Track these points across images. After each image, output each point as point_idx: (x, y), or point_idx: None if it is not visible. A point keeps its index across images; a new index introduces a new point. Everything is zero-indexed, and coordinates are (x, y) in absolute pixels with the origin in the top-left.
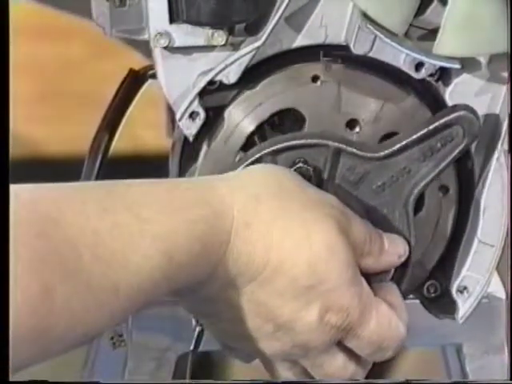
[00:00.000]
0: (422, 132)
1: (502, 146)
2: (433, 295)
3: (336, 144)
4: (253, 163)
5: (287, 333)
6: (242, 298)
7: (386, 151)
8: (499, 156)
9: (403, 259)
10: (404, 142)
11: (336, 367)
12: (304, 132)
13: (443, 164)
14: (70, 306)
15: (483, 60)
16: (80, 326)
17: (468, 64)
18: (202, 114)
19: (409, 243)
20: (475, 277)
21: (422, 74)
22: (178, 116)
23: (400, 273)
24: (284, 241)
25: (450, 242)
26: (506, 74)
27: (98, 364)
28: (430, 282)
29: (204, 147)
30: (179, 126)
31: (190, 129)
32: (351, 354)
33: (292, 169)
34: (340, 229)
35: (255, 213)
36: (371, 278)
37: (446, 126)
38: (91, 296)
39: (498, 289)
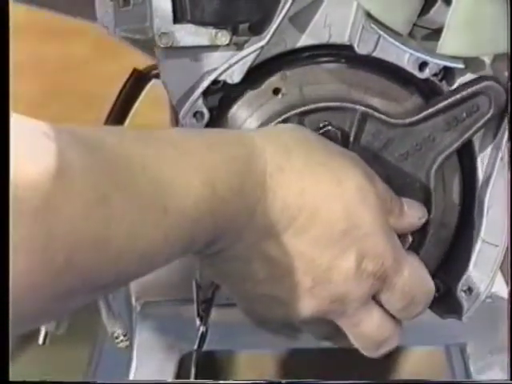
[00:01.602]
0: (447, 101)
1: (506, 145)
2: (436, 295)
3: (363, 108)
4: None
5: (325, 286)
6: (279, 251)
7: (412, 118)
8: (503, 155)
9: (423, 221)
10: (429, 110)
11: (373, 326)
12: (328, 97)
13: (468, 134)
14: (127, 217)
15: (487, 60)
16: (138, 241)
17: (472, 64)
18: (206, 114)
19: (429, 213)
20: (479, 276)
21: (426, 73)
22: (181, 116)
23: (417, 243)
24: (317, 187)
25: (453, 242)
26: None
27: (101, 364)
28: (433, 281)
29: None
30: (183, 126)
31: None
32: (386, 314)
33: (319, 132)
34: (368, 178)
35: (287, 159)
36: None
37: (473, 95)
38: (145, 212)
39: (501, 288)
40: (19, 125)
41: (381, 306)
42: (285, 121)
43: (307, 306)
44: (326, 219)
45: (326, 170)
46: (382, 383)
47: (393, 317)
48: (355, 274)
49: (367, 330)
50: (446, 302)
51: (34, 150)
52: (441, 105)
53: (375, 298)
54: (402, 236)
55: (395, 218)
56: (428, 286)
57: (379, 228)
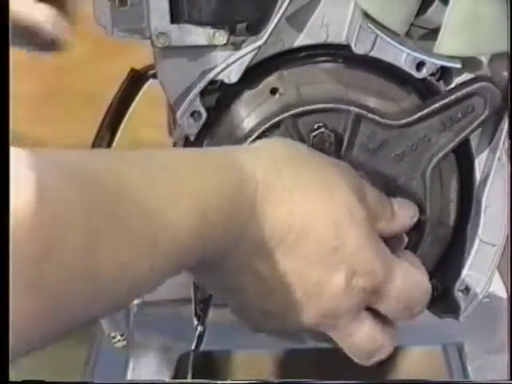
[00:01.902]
0: (443, 101)
1: (504, 145)
2: (434, 294)
3: (357, 109)
4: (273, 126)
5: (315, 301)
6: (269, 269)
7: (407, 119)
8: (500, 155)
9: (415, 219)
10: (425, 111)
11: (364, 336)
12: (325, 97)
13: (463, 134)
14: (116, 252)
15: (484, 59)
16: (127, 273)
17: (469, 63)
18: (203, 114)
19: (424, 213)
20: (476, 276)
21: (423, 73)
22: (178, 115)
23: (414, 243)
24: (306, 204)
25: (451, 241)
26: (506, 73)
27: (99, 364)
28: (431, 281)
29: (205, 147)
30: (180, 126)
31: (191, 128)
32: (379, 322)
33: (312, 134)
34: (357, 192)
35: (277, 177)
36: (386, 244)
37: (468, 96)
38: (135, 244)
39: (499, 288)
40: None
41: (375, 314)
42: (279, 123)
43: (299, 320)
44: (316, 237)
45: (316, 186)
46: (380, 383)
47: (387, 323)
48: (345, 290)
49: (359, 341)
50: (443, 301)
51: (24, 185)
52: (436, 105)
53: (371, 308)
54: (397, 236)
55: (386, 222)
56: (424, 286)
57: (368, 243)
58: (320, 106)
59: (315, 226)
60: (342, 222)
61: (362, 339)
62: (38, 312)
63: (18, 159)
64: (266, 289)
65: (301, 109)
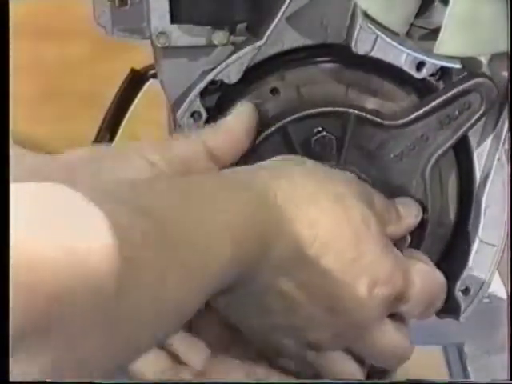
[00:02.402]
0: (439, 99)
1: (504, 145)
2: None
3: (356, 112)
4: (275, 132)
5: (340, 313)
6: (292, 285)
7: (404, 119)
8: (500, 156)
9: (419, 218)
10: (422, 110)
11: (390, 342)
12: (325, 98)
13: (461, 131)
14: (179, 287)
15: (484, 59)
16: (185, 305)
17: (469, 64)
18: (203, 114)
19: (426, 212)
20: (477, 276)
21: (423, 73)
22: (178, 115)
23: (415, 243)
24: (324, 217)
25: (451, 241)
26: (506, 74)
27: None
28: None
29: None
30: (180, 126)
31: (191, 128)
32: (398, 325)
33: (314, 138)
34: (366, 201)
35: (296, 194)
36: None
37: (464, 93)
38: (189, 278)
39: (499, 288)
40: (53, 196)
41: (392, 317)
42: (279, 129)
43: (324, 334)
44: (336, 249)
45: (331, 198)
46: (381, 383)
47: (403, 323)
48: (368, 300)
49: (385, 348)
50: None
51: (98, 225)
52: (432, 104)
53: (393, 312)
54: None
55: (394, 225)
56: (440, 280)
57: (383, 251)
58: (319, 110)
59: (334, 237)
60: (359, 233)
61: (387, 346)
62: (108, 349)
63: (80, 198)
64: (290, 305)
65: (300, 114)
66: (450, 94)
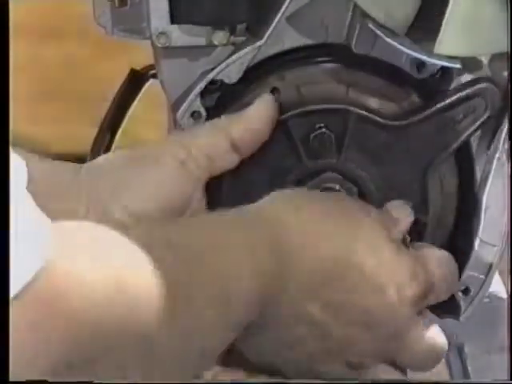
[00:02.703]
0: (444, 102)
1: (504, 145)
2: None
3: (358, 110)
4: (276, 127)
5: (375, 327)
6: (320, 306)
7: (408, 120)
8: (500, 155)
9: (413, 215)
10: (426, 112)
11: (428, 340)
12: (325, 97)
13: (464, 135)
14: (210, 320)
15: (484, 60)
16: (213, 338)
17: (469, 64)
18: (203, 114)
19: (426, 213)
20: (477, 276)
21: (424, 73)
22: (179, 115)
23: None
24: (338, 234)
25: (451, 242)
26: (506, 74)
27: None
28: None
29: None
30: (180, 126)
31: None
32: (431, 321)
33: (313, 134)
34: (366, 212)
35: (307, 223)
36: None
37: (469, 97)
38: (217, 311)
39: (499, 288)
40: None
41: (423, 314)
42: (279, 124)
43: (364, 351)
44: (356, 262)
45: (340, 218)
46: (381, 383)
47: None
48: (400, 305)
49: (426, 346)
50: (443, 302)
51: (145, 265)
52: (437, 106)
53: (421, 308)
54: None
55: (394, 228)
56: (451, 261)
57: (399, 254)
58: (321, 106)
59: (352, 253)
60: (373, 243)
61: (427, 344)
62: (145, 380)
63: (121, 236)
64: (323, 329)
65: (302, 109)
66: (455, 97)
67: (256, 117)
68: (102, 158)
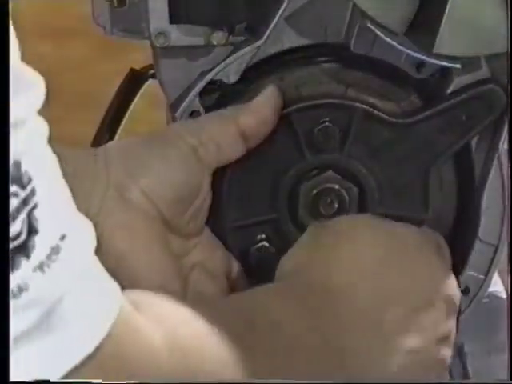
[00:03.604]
0: (448, 102)
1: (503, 145)
2: None
3: (364, 106)
4: (279, 120)
5: (422, 333)
6: (360, 341)
7: (411, 118)
8: (499, 155)
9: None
10: (430, 111)
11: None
12: (332, 93)
13: (467, 136)
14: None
15: (484, 60)
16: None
17: (469, 64)
18: (203, 114)
19: (426, 212)
20: (476, 276)
21: (423, 73)
22: (178, 115)
23: None
24: (353, 261)
25: (450, 241)
26: (506, 73)
27: None
28: None
29: None
30: None
31: None
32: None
33: (317, 127)
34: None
35: (318, 262)
36: None
37: (473, 98)
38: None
39: (499, 288)
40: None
41: None
42: (283, 116)
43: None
44: (375, 282)
45: (343, 243)
46: (380, 383)
47: None
48: (433, 302)
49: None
50: None
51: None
52: (441, 106)
53: None
54: None
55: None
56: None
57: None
58: (327, 100)
59: (375, 263)
60: (388, 254)
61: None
62: None
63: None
64: (378, 353)
65: (307, 103)
66: (459, 98)
67: (262, 106)
68: (117, 142)
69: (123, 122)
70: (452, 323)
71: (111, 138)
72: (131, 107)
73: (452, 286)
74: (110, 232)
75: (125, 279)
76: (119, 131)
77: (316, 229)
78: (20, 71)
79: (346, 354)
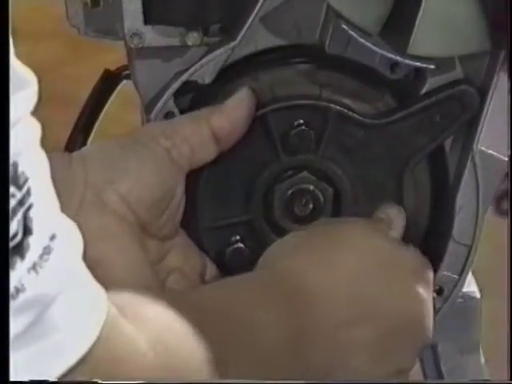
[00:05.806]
0: (422, 103)
1: (477, 146)
2: None
3: (338, 107)
4: (254, 122)
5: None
6: (359, 347)
7: (386, 119)
8: (473, 156)
9: (403, 212)
10: (404, 112)
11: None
12: (307, 94)
13: (441, 137)
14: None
15: (457, 60)
16: None
17: (443, 64)
18: (177, 115)
19: None
20: (450, 276)
21: (397, 74)
22: (152, 116)
23: None
24: (353, 266)
25: (424, 242)
26: (480, 73)
27: None
28: None
29: None
30: None
31: None
32: None
33: (294, 131)
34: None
35: (305, 258)
36: None
37: (447, 98)
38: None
39: (473, 288)
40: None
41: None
42: (259, 117)
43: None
44: (360, 285)
45: (333, 251)
46: (377, 383)
47: None
48: (422, 295)
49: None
50: None
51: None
52: (415, 107)
53: None
54: None
55: (389, 229)
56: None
57: (399, 248)
58: (302, 101)
59: (370, 265)
60: (387, 256)
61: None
62: None
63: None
64: (381, 350)
65: (280, 104)
66: (433, 98)
67: (235, 107)
68: (92, 146)
69: (97, 124)
70: (414, 359)
71: (85, 139)
72: (105, 108)
73: (426, 324)
74: (87, 236)
75: (101, 283)
76: (93, 133)
77: (302, 231)
78: (14, 69)
79: (311, 367)
